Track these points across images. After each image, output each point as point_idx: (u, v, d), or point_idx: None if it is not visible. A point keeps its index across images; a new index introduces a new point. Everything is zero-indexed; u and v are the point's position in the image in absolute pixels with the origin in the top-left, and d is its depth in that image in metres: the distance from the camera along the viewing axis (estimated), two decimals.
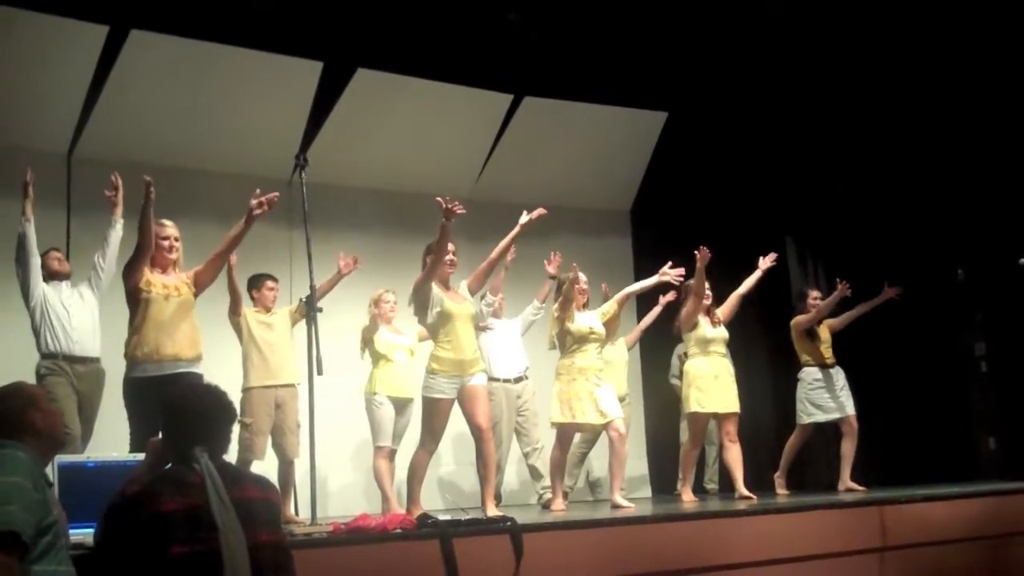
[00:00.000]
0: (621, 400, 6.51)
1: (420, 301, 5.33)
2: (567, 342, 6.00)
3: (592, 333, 5.99)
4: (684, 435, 7.25)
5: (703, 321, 6.44)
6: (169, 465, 2.86)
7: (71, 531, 2.91)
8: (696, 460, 6.69)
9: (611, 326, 6.32)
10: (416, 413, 5.78)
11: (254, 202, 4.94)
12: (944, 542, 5.29)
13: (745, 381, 6.95)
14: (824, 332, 6.99)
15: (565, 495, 6.36)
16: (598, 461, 7.47)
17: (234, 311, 6.00)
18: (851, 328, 7.13)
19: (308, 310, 4.88)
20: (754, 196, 8.31)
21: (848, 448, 6.83)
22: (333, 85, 7.22)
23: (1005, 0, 6.74)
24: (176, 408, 2.90)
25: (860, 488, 6.69)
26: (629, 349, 7.60)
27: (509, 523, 4.14)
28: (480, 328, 6.14)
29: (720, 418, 6.43)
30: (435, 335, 5.36)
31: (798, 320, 7.00)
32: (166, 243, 5.07)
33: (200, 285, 5.15)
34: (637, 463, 8.34)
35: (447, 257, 5.35)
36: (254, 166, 7.03)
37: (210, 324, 5.57)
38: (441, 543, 3.85)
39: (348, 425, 6.61)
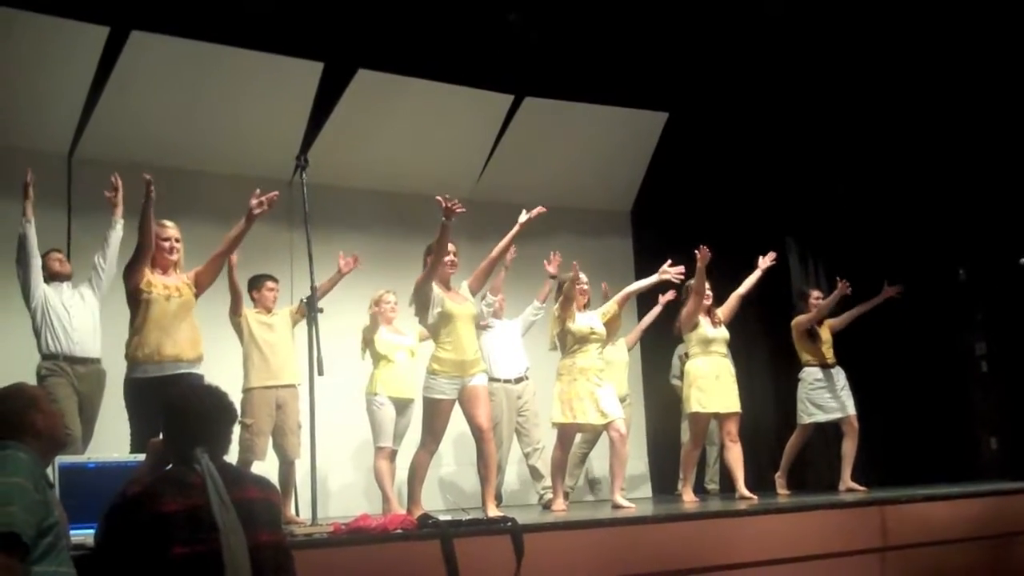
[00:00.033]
0: (622, 400, 6.51)
1: (421, 301, 5.33)
2: (568, 342, 6.00)
3: (593, 333, 5.99)
4: (685, 435, 7.25)
5: (704, 321, 6.44)
6: (170, 466, 2.86)
7: (72, 532, 2.91)
8: (697, 460, 6.68)
9: (612, 326, 6.31)
10: (417, 414, 5.78)
11: (254, 201, 4.95)
12: (945, 542, 5.29)
13: (746, 381, 6.94)
14: (825, 332, 6.99)
15: (566, 495, 6.37)
16: (598, 461, 7.47)
17: (235, 311, 6.00)
18: (852, 328, 7.13)
19: (309, 311, 4.88)
20: (755, 196, 8.31)
21: (849, 448, 6.83)
22: (334, 86, 7.22)
23: (1005, 0, 6.74)
24: (177, 409, 2.90)
25: (861, 488, 6.69)
26: (629, 349, 7.60)
27: (510, 523, 4.14)
28: (480, 327, 6.14)
29: (721, 418, 6.42)
30: (436, 336, 5.36)
31: (799, 320, 7.00)
32: (167, 244, 5.07)
33: (201, 286, 5.15)
34: (638, 463, 8.34)
35: (448, 257, 5.35)
36: (255, 167, 7.04)
37: (211, 325, 5.57)
38: (442, 543, 3.85)
39: (349, 426, 6.60)
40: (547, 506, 6.47)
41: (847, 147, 8.08)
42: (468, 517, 4.43)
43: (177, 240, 5.13)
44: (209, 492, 2.65)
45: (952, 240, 7.90)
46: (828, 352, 6.96)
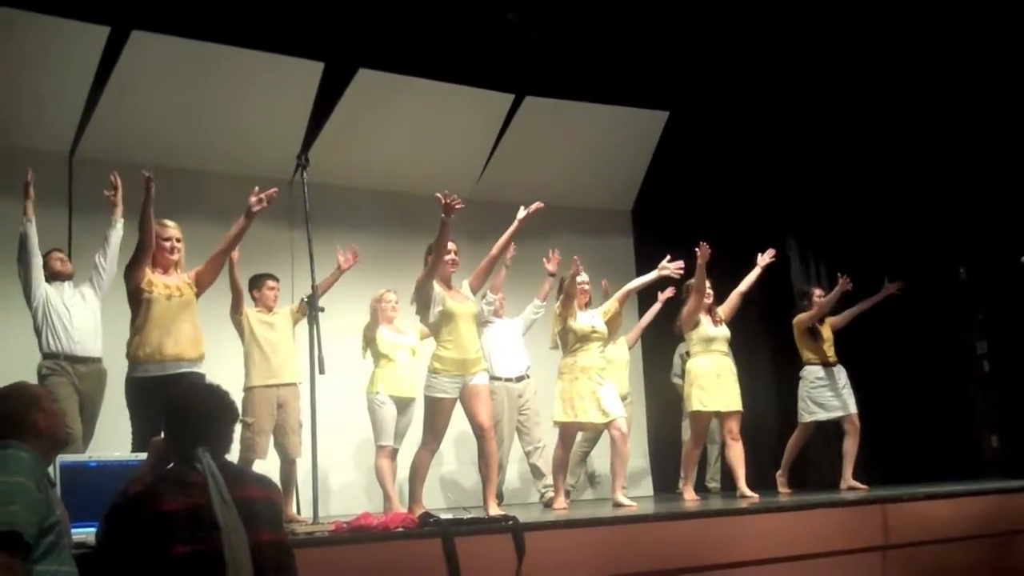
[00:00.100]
0: (623, 399, 6.51)
1: (422, 300, 5.33)
2: (569, 341, 6.01)
3: (594, 332, 5.99)
4: (686, 434, 7.25)
5: (705, 320, 6.44)
6: (171, 465, 2.86)
7: (73, 531, 2.91)
8: (698, 459, 6.68)
9: (613, 324, 6.32)
10: (418, 412, 5.79)
11: (253, 199, 4.96)
12: (947, 540, 5.29)
13: (747, 380, 6.94)
14: (826, 330, 7.00)
15: (567, 494, 6.37)
16: (600, 460, 7.47)
17: (236, 310, 6.00)
18: (853, 326, 7.13)
19: (310, 310, 4.88)
20: (755, 195, 8.31)
21: (850, 446, 6.83)
22: (334, 85, 7.22)
23: (1005, 0, 6.74)
24: (178, 408, 2.90)
25: (862, 486, 6.68)
26: (630, 348, 7.60)
27: (511, 522, 4.14)
28: (480, 323, 6.14)
29: (722, 416, 6.42)
30: (437, 334, 5.36)
31: (800, 318, 7.00)
32: (168, 244, 5.07)
33: (202, 285, 5.15)
34: (639, 462, 8.34)
35: (448, 256, 5.35)
36: (255, 166, 7.04)
37: (212, 324, 5.57)
38: (443, 542, 3.86)
39: (350, 424, 6.60)
40: (548, 504, 6.47)
41: (847, 146, 8.08)
42: (469, 516, 4.43)
43: (178, 240, 5.13)
44: (210, 491, 2.66)
45: (953, 239, 7.90)
46: (829, 350, 6.96)
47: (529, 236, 6.40)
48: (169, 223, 5.13)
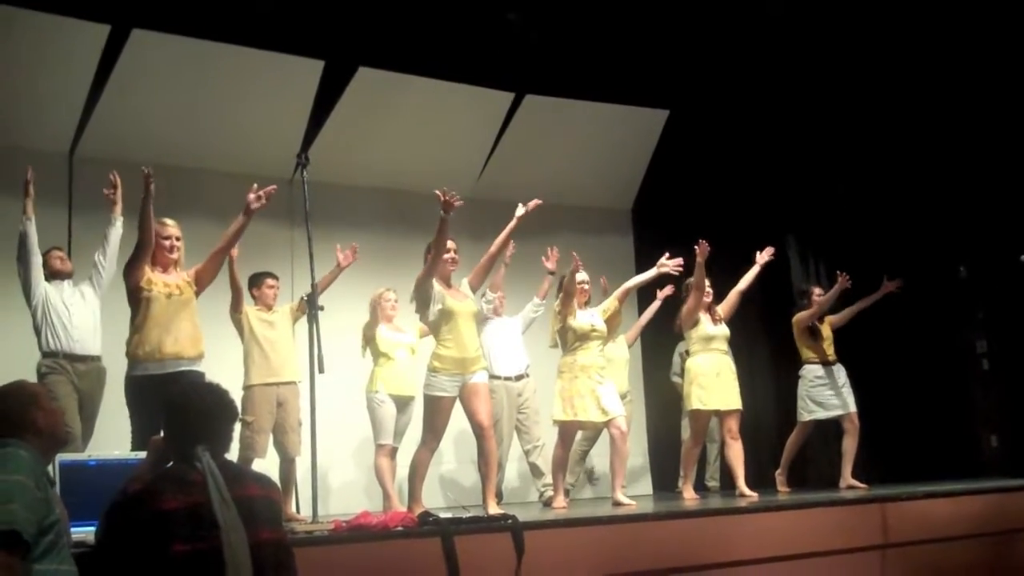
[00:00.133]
0: (622, 397, 6.51)
1: (422, 298, 5.33)
2: (569, 339, 6.01)
3: (594, 330, 5.99)
4: (685, 433, 7.25)
5: (704, 318, 6.44)
6: (171, 463, 2.86)
7: (72, 529, 2.92)
8: (698, 457, 6.68)
9: (612, 322, 6.31)
10: (417, 411, 5.78)
11: (252, 196, 4.97)
12: (946, 539, 5.29)
13: (747, 378, 6.95)
14: (826, 329, 7.00)
15: (566, 493, 6.37)
16: (599, 459, 7.47)
17: (235, 308, 6.00)
18: (853, 325, 7.13)
19: (310, 308, 4.88)
20: (756, 194, 8.31)
21: (850, 445, 6.83)
22: (334, 84, 7.22)
23: (1005, 0, 6.74)
24: (178, 407, 2.90)
25: (862, 485, 6.68)
26: (630, 346, 7.59)
27: (510, 521, 4.14)
28: (479, 321, 6.14)
29: (722, 415, 6.43)
30: (437, 333, 5.36)
31: (800, 317, 7.00)
32: (167, 243, 5.07)
33: (201, 283, 5.16)
34: (638, 460, 8.35)
35: (448, 255, 5.35)
36: (255, 165, 7.03)
37: (211, 322, 5.58)
38: (442, 541, 3.86)
39: (349, 423, 6.61)
40: (548, 503, 6.47)
41: (847, 145, 8.08)
42: (469, 515, 4.43)
43: (178, 239, 5.13)
44: (210, 490, 2.66)
45: (953, 237, 7.90)
46: (829, 349, 6.96)
47: (529, 235, 6.40)
48: (169, 222, 5.13)
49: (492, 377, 6.49)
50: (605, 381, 5.95)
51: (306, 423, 5.29)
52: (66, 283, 5.50)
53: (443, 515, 4.23)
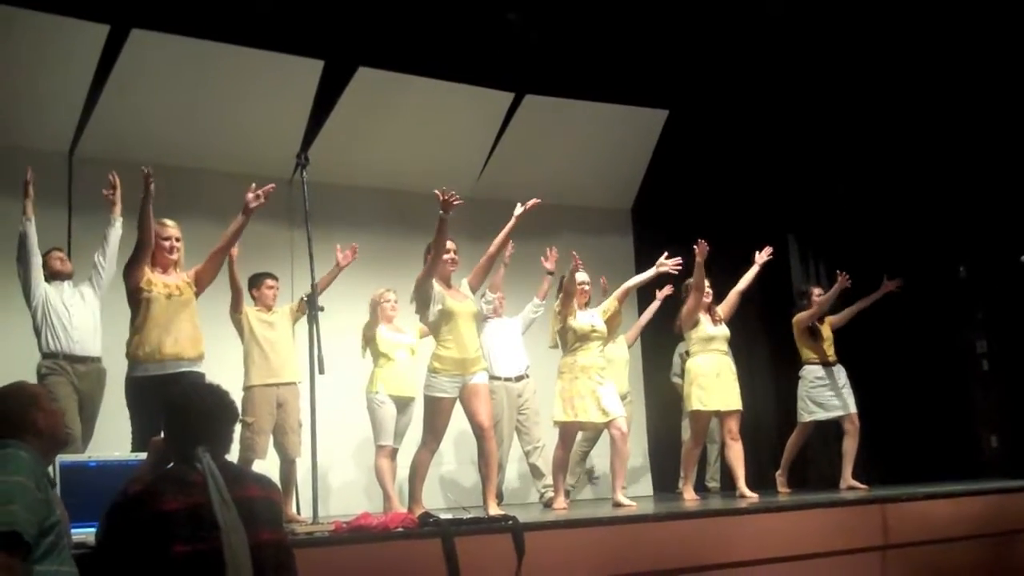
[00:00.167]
0: (623, 398, 6.51)
1: (421, 298, 5.32)
2: (569, 340, 6.00)
3: (594, 331, 5.99)
4: (686, 433, 7.25)
5: (704, 319, 6.44)
6: (171, 465, 2.86)
7: (73, 530, 2.91)
8: (698, 458, 6.68)
9: (613, 323, 6.31)
10: (418, 412, 5.78)
11: (250, 195, 4.97)
12: (946, 540, 5.29)
13: (747, 379, 6.94)
14: (826, 330, 7.00)
15: (567, 493, 6.36)
16: (600, 459, 7.47)
17: (235, 308, 5.99)
18: (853, 326, 7.13)
19: (310, 309, 4.87)
20: (756, 194, 8.31)
21: (850, 446, 6.83)
22: (334, 84, 7.22)
23: (1005, 0, 6.74)
24: (178, 408, 2.90)
25: (862, 486, 6.69)
26: (629, 346, 7.59)
27: (511, 522, 4.14)
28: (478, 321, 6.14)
29: (722, 416, 6.42)
30: (437, 333, 5.36)
31: (800, 317, 7.00)
32: (167, 243, 5.07)
33: (201, 284, 5.16)
34: (638, 461, 8.34)
35: (448, 255, 5.35)
36: (255, 165, 7.02)
37: (211, 323, 5.57)
38: (443, 542, 3.85)
39: (350, 424, 6.60)
40: (548, 504, 6.47)
41: (847, 145, 8.08)
42: (469, 515, 4.43)
43: (177, 239, 5.13)
44: (210, 490, 2.65)
45: (952, 237, 7.90)
46: (829, 350, 6.96)
47: (529, 235, 6.40)
48: (168, 222, 5.13)
49: (492, 378, 6.49)
50: (605, 382, 5.95)
51: (306, 424, 5.29)
52: (66, 284, 5.49)
53: (443, 516, 4.22)
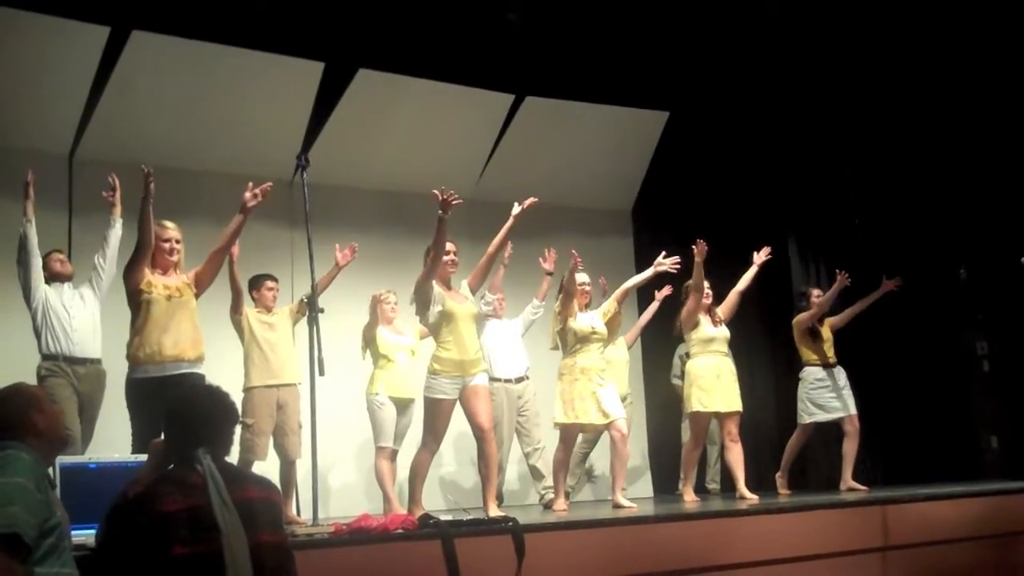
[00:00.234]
0: (623, 399, 6.51)
1: (421, 299, 5.33)
2: (569, 341, 6.00)
3: (594, 333, 5.99)
4: (686, 435, 7.25)
5: (704, 320, 6.44)
6: (171, 466, 2.86)
7: (73, 532, 2.91)
8: (698, 460, 6.67)
9: (612, 324, 6.31)
10: (418, 413, 5.78)
11: (248, 194, 4.99)
12: (947, 541, 5.29)
13: (747, 380, 6.94)
14: (826, 331, 7.00)
15: (567, 495, 6.36)
16: (600, 460, 7.47)
17: (236, 309, 5.99)
18: (853, 327, 7.13)
19: (310, 311, 4.88)
20: (756, 196, 8.31)
21: (850, 447, 6.83)
22: (334, 85, 7.22)
23: (1005, 0, 6.74)
24: (179, 410, 2.90)
25: (862, 487, 6.69)
26: (629, 347, 7.58)
27: (511, 523, 4.14)
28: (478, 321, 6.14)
29: (722, 417, 6.42)
30: (437, 335, 5.36)
31: (800, 318, 7.00)
32: (167, 245, 5.08)
33: (201, 285, 5.16)
34: (638, 462, 8.34)
35: (448, 256, 5.35)
36: (256, 166, 7.00)
37: (211, 324, 5.58)
38: (443, 543, 3.85)
39: (349, 426, 6.60)
40: (548, 506, 6.47)
41: (847, 146, 8.08)
42: (469, 517, 4.43)
43: (178, 241, 5.14)
44: (210, 492, 2.65)
45: (953, 239, 7.90)
46: (829, 351, 6.96)
47: (529, 236, 6.39)
48: (169, 224, 5.13)
49: (492, 379, 6.49)
50: (606, 383, 5.95)
51: (306, 425, 5.29)
52: (66, 286, 5.49)
53: (443, 517, 4.22)
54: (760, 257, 6.60)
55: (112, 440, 5.29)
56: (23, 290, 5.38)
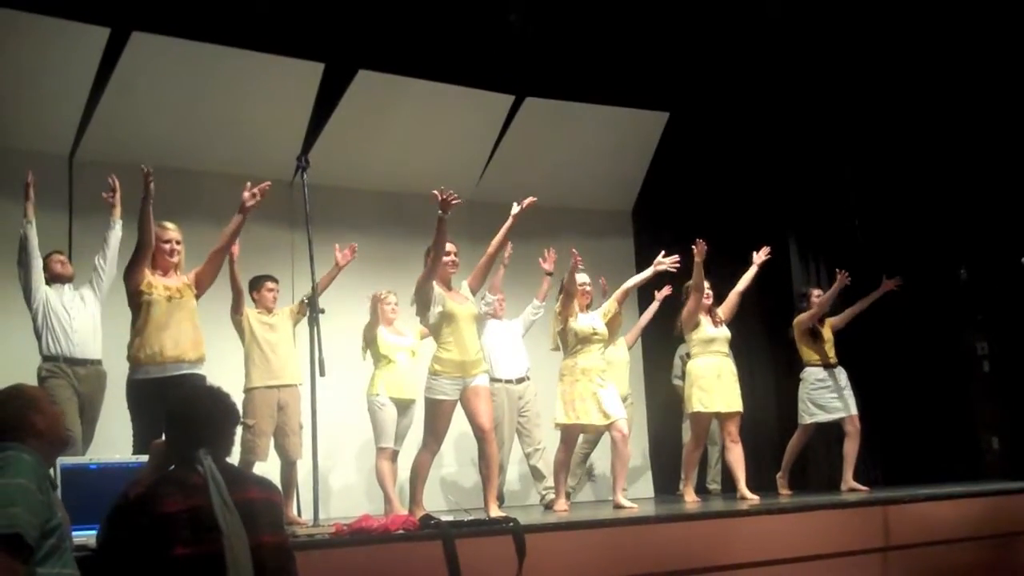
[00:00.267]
0: (623, 400, 6.51)
1: (422, 300, 5.33)
2: (570, 342, 6.00)
3: (595, 334, 5.99)
4: (686, 435, 7.25)
5: (705, 321, 6.44)
6: (172, 467, 2.86)
7: (74, 533, 2.91)
8: (699, 460, 6.68)
9: (613, 325, 6.31)
10: (418, 414, 5.79)
11: (246, 194, 4.99)
12: (947, 542, 5.30)
13: (747, 381, 6.94)
14: (827, 331, 7.00)
15: (567, 495, 6.36)
16: (600, 461, 7.47)
17: (236, 310, 5.98)
18: (853, 328, 7.13)
19: (311, 311, 4.88)
20: (756, 196, 8.31)
21: (851, 448, 6.83)
22: (334, 86, 7.22)
23: (1005, 0, 6.74)
24: (179, 411, 2.90)
25: (863, 488, 6.69)
26: (629, 348, 7.58)
27: (512, 524, 4.14)
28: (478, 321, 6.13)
29: (722, 418, 6.42)
30: (437, 335, 5.36)
31: (800, 319, 7.00)
32: (167, 246, 5.08)
33: (201, 285, 5.17)
34: (639, 463, 8.34)
35: (448, 257, 5.35)
36: (256, 167, 6.99)
37: (212, 325, 5.58)
38: (444, 544, 3.86)
39: (350, 426, 6.61)
40: (549, 506, 6.47)
41: (847, 147, 8.08)
42: (470, 517, 4.43)
43: (178, 242, 5.14)
44: (211, 493, 2.65)
45: (953, 240, 7.90)
46: (830, 351, 6.96)
47: (530, 237, 6.39)
48: (169, 225, 5.14)
49: (493, 380, 6.49)
50: (606, 384, 5.95)
51: (307, 426, 5.29)
52: (66, 287, 5.49)
53: (444, 518, 4.22)
54: (760, 257, 6.60)
55: (113, 441, 5.29)
56: (24, 291, 5.38)
